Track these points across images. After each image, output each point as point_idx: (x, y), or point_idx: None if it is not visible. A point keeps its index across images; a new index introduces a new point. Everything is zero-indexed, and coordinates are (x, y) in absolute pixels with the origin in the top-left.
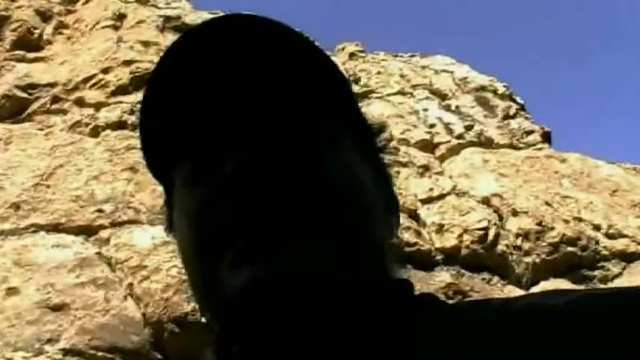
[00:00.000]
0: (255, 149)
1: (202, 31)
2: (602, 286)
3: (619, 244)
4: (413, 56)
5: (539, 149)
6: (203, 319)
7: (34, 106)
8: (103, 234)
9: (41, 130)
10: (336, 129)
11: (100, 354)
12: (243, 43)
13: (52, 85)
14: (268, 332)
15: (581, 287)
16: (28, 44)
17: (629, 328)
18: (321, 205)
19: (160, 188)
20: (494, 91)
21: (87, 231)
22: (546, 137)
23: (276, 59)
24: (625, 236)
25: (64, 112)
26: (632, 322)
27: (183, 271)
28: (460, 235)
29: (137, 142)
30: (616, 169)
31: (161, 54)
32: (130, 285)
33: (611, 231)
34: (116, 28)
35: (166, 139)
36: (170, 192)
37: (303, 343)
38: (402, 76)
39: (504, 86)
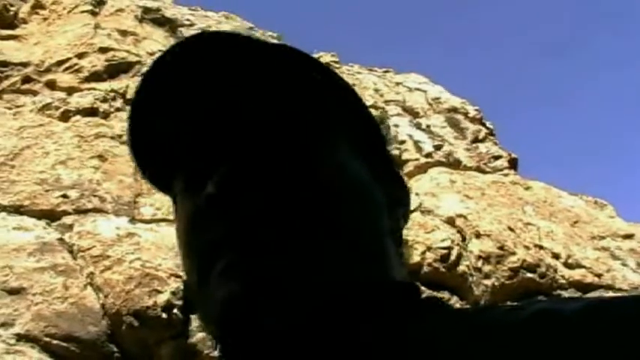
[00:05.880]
0: (239, 164)
1: (192, 44)
2: None
3: (576, 274)
4: (387, 72)
5: (506, 175)
6: (163, 315)
7: (4, 84)
8: (67, 220)
9: (9, 109)
10: (328, 130)
11: (54, 342)
12: (231, 57)
13: (25, 64)
14: (259, 342)
15: None
16: (3, 21)
17: None
18: (311, 210)
19: (128, 180)
20: (466, 114)
21: (50, 216)
22: (513, 163)
23: (263, 71)
24: (583, 267)
25: (35, 93)
26: None
27: (148, 264)
28: (423, 253)
29: (107, 130)
30: (578, 201)
31: (150, 61)
32: (91, 274)
33: (569, 260)
34: (94, 14)
35: (159, 154)
36: (175, 201)
37: (300, 348)
38: (375, 90)
39: (476, 110)
